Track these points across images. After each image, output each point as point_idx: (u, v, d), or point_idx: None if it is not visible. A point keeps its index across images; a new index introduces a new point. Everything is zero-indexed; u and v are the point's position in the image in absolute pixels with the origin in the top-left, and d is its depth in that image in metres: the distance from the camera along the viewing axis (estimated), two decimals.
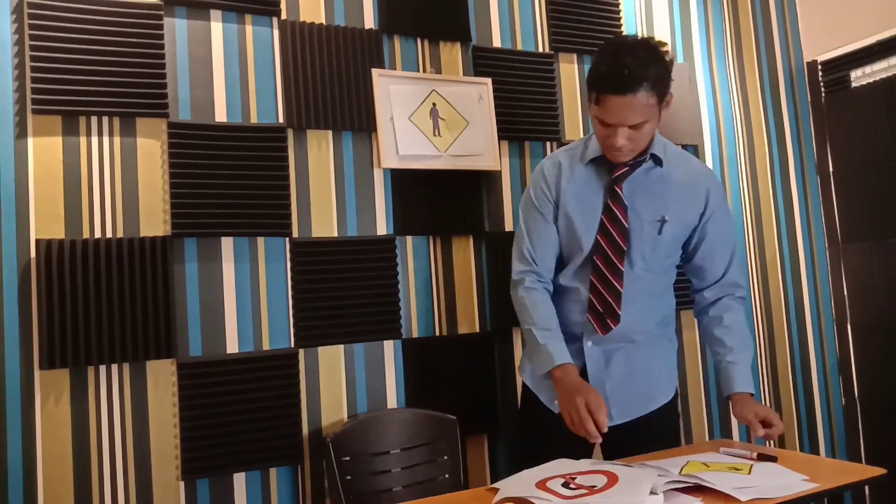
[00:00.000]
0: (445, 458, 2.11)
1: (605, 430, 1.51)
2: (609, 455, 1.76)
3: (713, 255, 1.83)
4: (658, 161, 1.75)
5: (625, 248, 1.73)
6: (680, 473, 1.43)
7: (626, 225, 1.73)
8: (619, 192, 1.73)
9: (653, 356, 1.84)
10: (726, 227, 1.85)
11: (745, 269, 1.89)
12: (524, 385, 1.93)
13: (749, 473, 1.42)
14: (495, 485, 1.47)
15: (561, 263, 1.84)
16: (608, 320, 1.75)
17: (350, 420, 2.11)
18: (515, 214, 2.43)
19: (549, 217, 1.81)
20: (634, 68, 1.55)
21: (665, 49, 1.65)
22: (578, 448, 1.63)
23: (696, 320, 1.94)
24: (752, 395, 1.74)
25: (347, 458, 2.00)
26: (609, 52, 1.64)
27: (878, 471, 1.47)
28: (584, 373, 1.77)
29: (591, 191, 1.77)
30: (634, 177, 1.75)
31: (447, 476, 2.09)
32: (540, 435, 1.86)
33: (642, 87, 1.56)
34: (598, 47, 1.73)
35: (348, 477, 1.98)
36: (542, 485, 1.40)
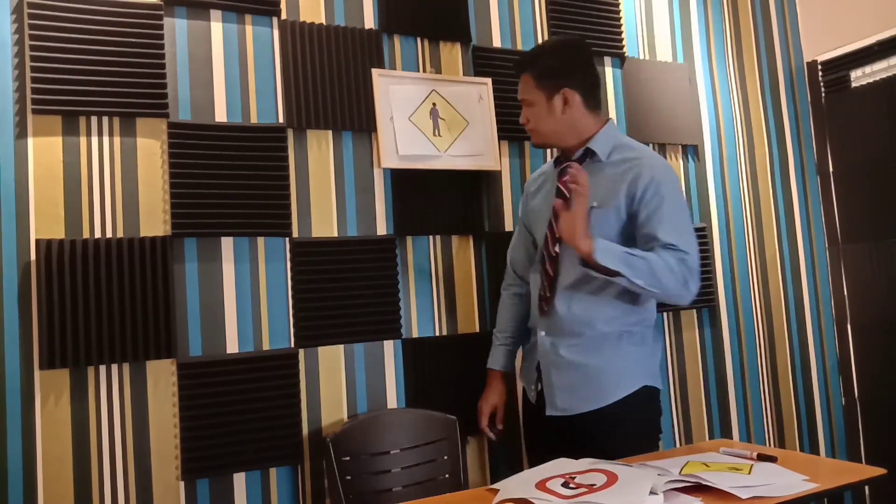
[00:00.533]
0: (445, 458, 2.11)
1: (487, 432, 2.06)
2: (569, 445, 1.73)
3: (648, 226, 1.80)
4: (593, 154, 1.89)
5: (557, 235, 1.84)
6: (680, 473, 1.43)
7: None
8: (560, 186, 1.84)
9: (605, 355, 1.84)
10: (659, 198, 1.80)
11: (687, 237, 1.79)
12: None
13: (749, 473, 1.42)
14: (495, 485, 1.47)
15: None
16: (543, 303, 1.91)
17: (350, 420, 2.11)
18: (515, 215, 2.44)
19: (524, 218, 2.10)
20: (529, 55, 1.95)
21: (576, 49, 1.94)
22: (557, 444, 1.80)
23: None
24: (596, 251, 1.71)
25: (347, 458, 2.00)
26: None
27: (878, 471, 1.47)
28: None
29: (548, 190, 1.97)
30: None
31: (447, 476, 2.09)
32: (531, 433, 2.07)
33: (526, 71, 1.91)
34: None
35: (348, 477, 1.98)
36: (541, 485, 1.40)
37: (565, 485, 1.39)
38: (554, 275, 1.88)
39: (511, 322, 2.10)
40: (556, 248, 1.88)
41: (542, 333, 1.91)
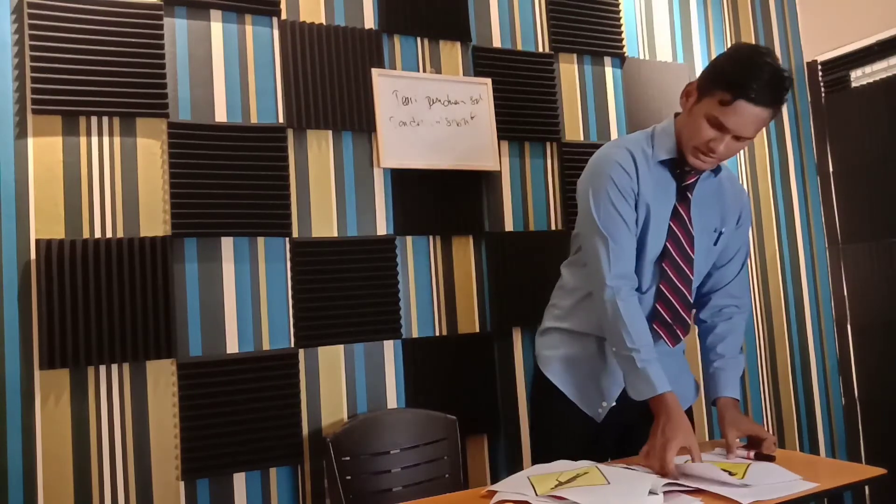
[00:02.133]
0: (445, 457, 2.11)
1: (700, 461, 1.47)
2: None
3: (732, 262, 1.81)
4: (717, 170, 1.71)
5: (692, 255, 1.68)
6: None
7: (693, 233, 1.68)
8: (689, 197, 1.67)
9: (683, 361, 1.86)
10: (747, 235, 1.84)
11: (748, 282, 1.89)
12: (540, 376, 1.82)
13: (744, 476, 1.42)
14: (493, 487, 1.47)
15: None
16: (678, 330, 1.70)
17: (350, 420, 2.11)
18: (515, 214, 2.44)
19: (632, 213, 1.65)
20: (777, 86, 1.50)
21: (790, 74, 1.61)
22: (589, 444, 1.67)
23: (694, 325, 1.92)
24: (737, 400, 1.72)
25: (347, 458, 2.00)
26: (756, 58, 1.52)
27: (878, 471, 1.47)
28: None
29: (662, 191, 1.68)
30: (699, 183, 1.70)
31: (447, 476, 2.09)
32: (556, 425, 1.79)
33: (774, 104, 1.51)
34: (734, 49, 1.63)
35: (348, 477, 1.98)
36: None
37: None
38: (691, 299, 1.71)
39: (649, 336, 1.62)
40: (693, 272, 1.69)
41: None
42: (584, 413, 1.74)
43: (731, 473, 1.42)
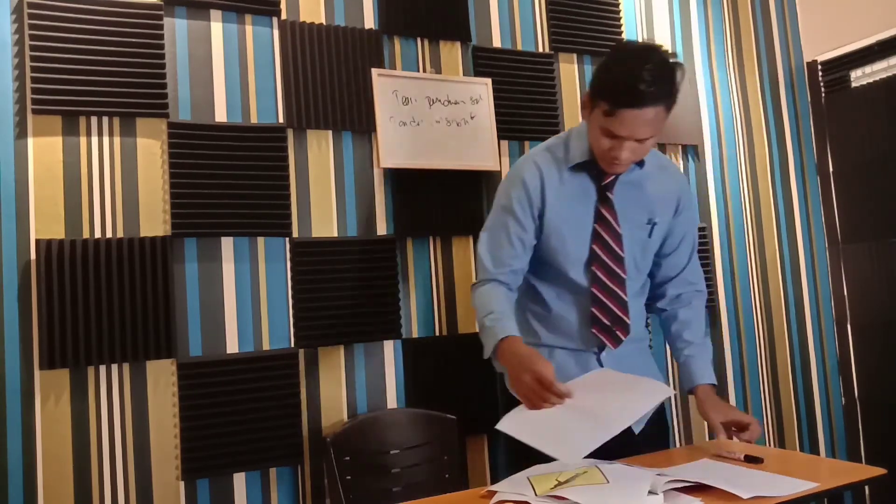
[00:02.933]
0: (445, 457, 2.11)
1: (568, 395, 1.45)
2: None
3: (678, 249, 1.79)
4: (640, 162, 1.69)
5: (622, 255, 1.68)
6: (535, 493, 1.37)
7: (620, 231, 1.68)
8: (610, 197, 1.67)
9: (647, 355, 1.84)
10: (692, 222, 1.81)
11: (700, 267, 1.86)
12: (508, 395, 1.74)
13: (607, 481, 1.39)
14: (493, 487, 1.46)
15: (549, 278, 1.74)
16: (617, 332, 1.69)
17: (350, 420, 2.11)
18: None
19: (528, 229, 1.68)
20: (654, 83, 1.47)
21: (675, 58, 1.57)
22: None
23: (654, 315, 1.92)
24: (714, 386, 1.71)
25: (347, 458, 2.00)
26: (625, 61, 1.53)
27: (878, 471, 1.46)
28: None
29: (579, 198, 1.68)
30: (620, 179, 1.69)
31: (447, 476, 2.09)
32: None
33: (658, 102, 1.49)
34: (609, 53, 1.62)
35: (348, 477, 1.98)
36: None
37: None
38: (626, 299, 1.69)
39: (510, 307, 1.66)
40: (625, 272, 1.68)
41: (604, 354, 1.71)
42: None
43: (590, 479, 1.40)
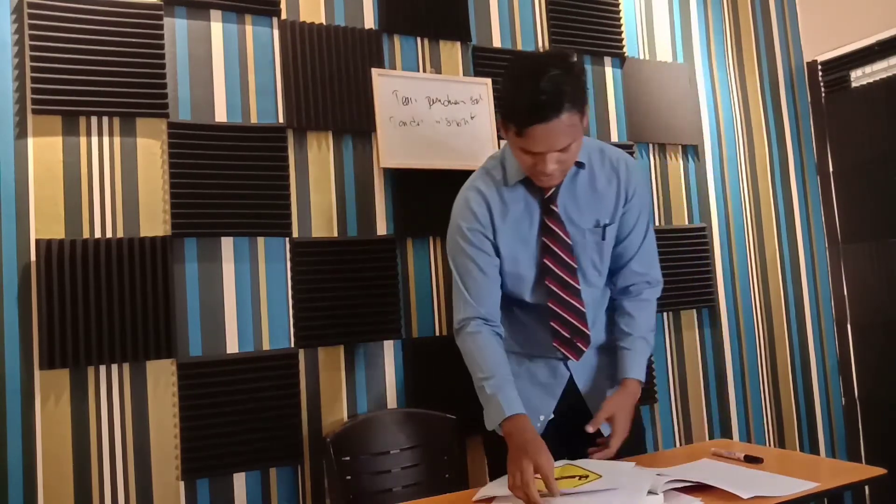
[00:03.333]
0: (445, 458, 2.11)
1: (556, 496, 1.35)
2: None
3: (627, 240, 1.75)
4: (580, 165, 1.67)
5: (574, 265, 1.66)
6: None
7: (570, 241, 1.66)
8: (554, 209, 1.66)
9: (611, 359, 1.80)
10: (641, 208, 1.75)
11: (656, 257, 1.82)
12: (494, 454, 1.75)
13: (599, 476, 1.39)
14: (480, 493, 1.47)
15: (512, 297, 1.73)
16: (578, 343, 1.68)
17: (350, 420, 2.10)
18: None
19: (488, 259, 1.67)
20: (553, 92, 1.44)
21: (573, 60, 1.56)
22: None
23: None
24: (639, 382, 1.69)
25: (347, 458, 2.00)
26: (520, 78, 1.50)
27: (878, 471, 1.47)
28: (571, 383, 1.73)
29: (524, 215, 1.67)
30: (563, 187, 1.67)
31: (447, 476, 2.09)
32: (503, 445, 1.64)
33: (564, 109, 1.45)
34: (504, 73, 1.57)
35: (348, 477, 1.98)
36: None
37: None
38: (583, 309, 1.68)
39: (503, 363, 1.64)
40: (578, 281, 1.67)
41: (571, 361, 1.72)
42: None
43: (582, 477, 1.39)
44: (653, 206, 1.83)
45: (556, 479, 1.38)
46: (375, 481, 2.02)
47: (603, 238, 1.70)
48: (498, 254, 1.68)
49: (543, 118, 1.45)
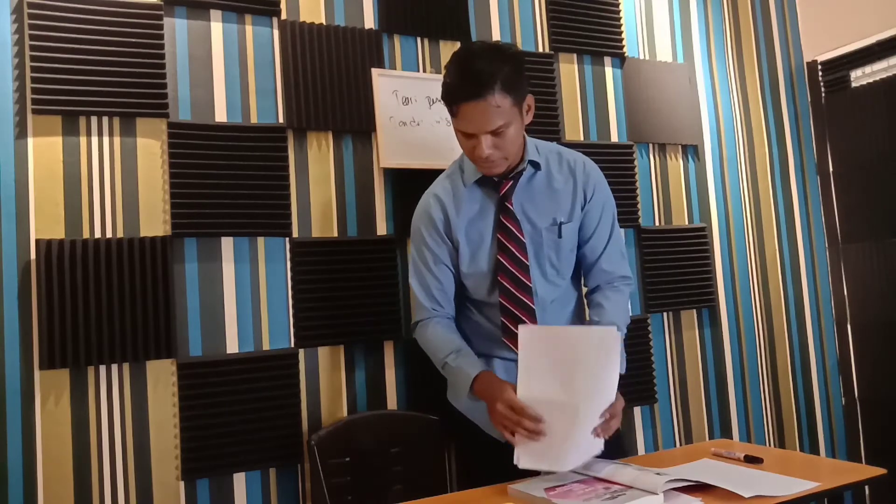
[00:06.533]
0: (445, 458, 2.11)
1: (540, 424, 1.44)
2: None
3: (592, 239, 1.78)
4: (536, 165, 1.72)
5: (526, 262, 1.69)
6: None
7: (523, 239, 1.69)
8: (509, 207, 1.70)
9: None
10: (604, 208, 1.78)
11: (624, 256, 1.84)
12: (454, 417, 1.82)
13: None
14: (514, 486, 1.46)
15: (466, 293, 1.77)
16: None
17: (335, 423, 2.08)
18: None
19: (445, 259, 1.74)
20: (481, 71, 1.53)
21: (513, 50, 1.63)
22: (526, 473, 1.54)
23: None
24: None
25: (348, 459, 1.99)
26: (456, 60, 1.61)
27: (878, 471, 1.47)
28: None
29: (479, 214, 1.72)
30: (519, 187, 1.72)
31: (447, 476, 2.09)
32: (482, 467, 1.70)
33: (493, 88, 1.52)
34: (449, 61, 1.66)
35: (348, 477, 1.98)
36: (551, 490, 1.40)
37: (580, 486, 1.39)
38: (533, 306, 1.70)
39: (458, 339, 1.71)
40: (530, 279, 1.70)
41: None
42: (486, 437, 1.69)
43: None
44: (617, 206, 1.85)
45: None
46: (375, 481, 2.01)
47: (559, 236, 1.73)
48: (457, 257, 1.74)
49: (472, 95, 1.53)
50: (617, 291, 1.78)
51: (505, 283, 1.69)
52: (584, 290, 1.86)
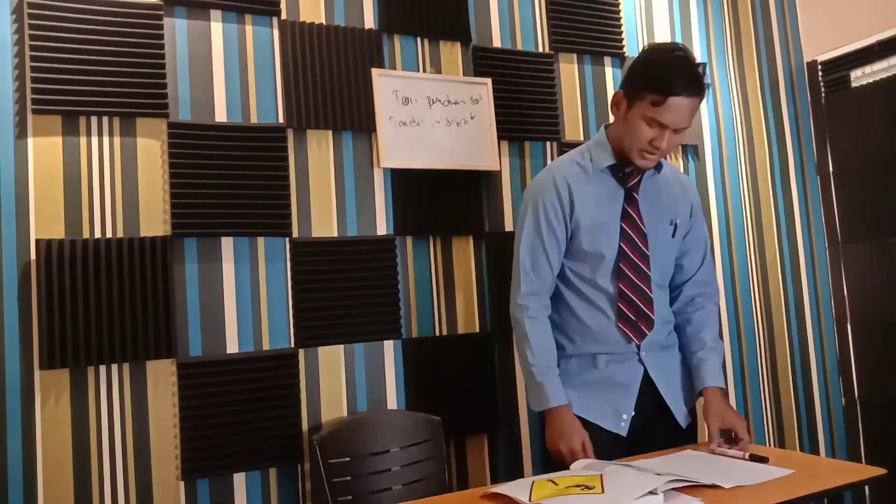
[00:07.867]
0: (445, 458, 2.10)
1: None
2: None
3: (691, 252, 1.89)
4: (658, 167, 1.81)
5: (648, 252, 1.76)
6: (530, 496, 1.36)
7: (645, 230, 1.77)
8: (636, 197, 1.78)
9: (684, 365, 1.88)
10: (703, 224, 1.93)
11: (715, 269, 1.96)
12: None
13: (602, 492, 1.38)
14: (496, 488, 1.46)
15: (577, 282, 1.80)
16: (642, 326, 1.75)
17: (337, 422, 2.08)
18: (515, 215, 2.43)
19: (561, 236, 1.78)
20: (703, 74, 1.63)
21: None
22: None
23: None
24: (722, 389, 1.78)
25: (335, 461, 1.98)
26: (675, 54, 1.66)
27: (878, 471, 1.47)
28: (647, 380, 1.77)
29: (607, 199, 1.78)
30: (644, 181, 1.81)
31: (447, 476, 2.09)
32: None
33: (703, 93, 1.64)
34: (646, 52, 1.74)
35: (336, 479, 1.96)
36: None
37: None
38: (651, 295, 1.76)
39: (553, 353, 1.77)
40: (650, 268, 1.77)
41: (644, 353, 1.77)
42: (602, 431, 1.74)
43: (588, 487, 1.38)
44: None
45: (563, 488, 1.38)
46: (362, 483, 2.00)
47: (672, 236, 1.82)
48: (571, 237, 1.78)
49: (691, 92, 1.61)
50: (711, 312, 1.89)
51: (626, 271, 1.75)
52: (676, 300, 1.90)
